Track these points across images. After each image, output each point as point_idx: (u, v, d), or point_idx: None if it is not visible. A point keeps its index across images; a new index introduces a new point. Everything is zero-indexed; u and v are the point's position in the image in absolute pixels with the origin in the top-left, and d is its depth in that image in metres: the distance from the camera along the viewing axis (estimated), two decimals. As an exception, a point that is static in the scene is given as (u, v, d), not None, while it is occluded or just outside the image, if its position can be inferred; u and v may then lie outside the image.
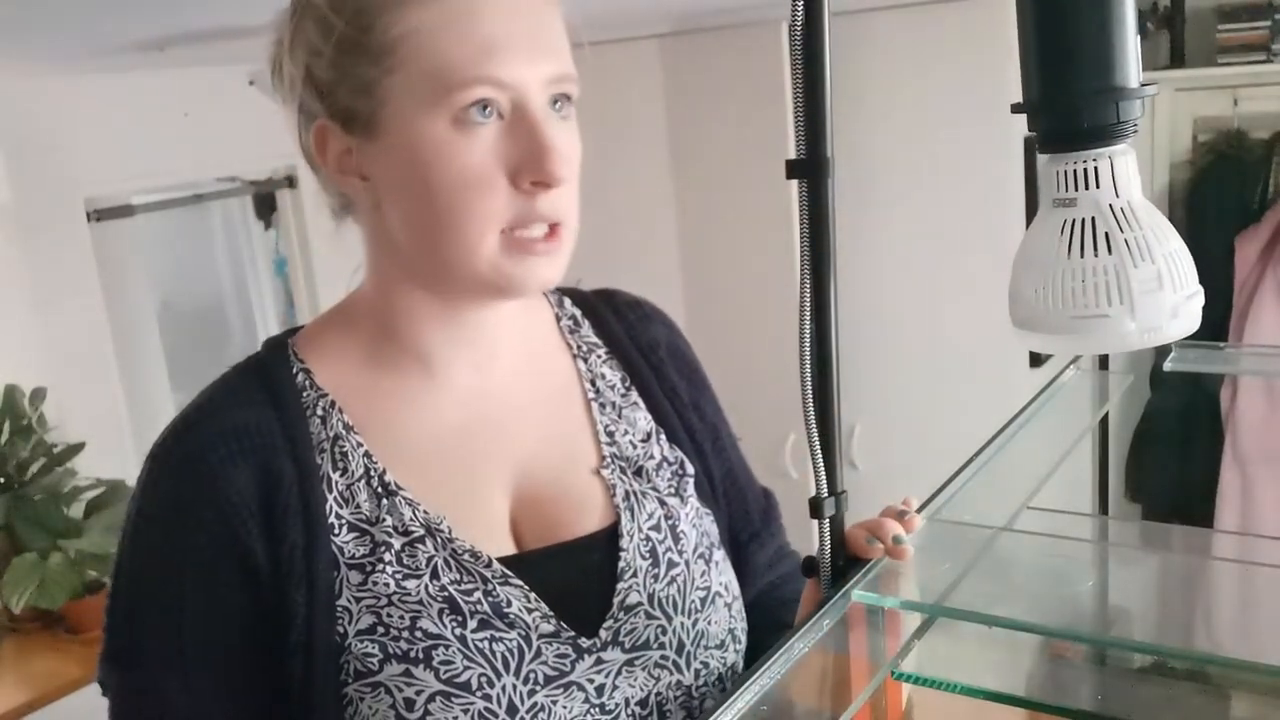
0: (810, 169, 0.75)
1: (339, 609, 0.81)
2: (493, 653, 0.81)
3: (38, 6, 1.52)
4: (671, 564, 0.90)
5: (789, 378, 0.81)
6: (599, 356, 0.97)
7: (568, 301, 1.00)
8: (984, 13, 2.66)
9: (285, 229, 3.53)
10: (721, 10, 2.74)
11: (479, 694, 0.79)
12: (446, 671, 0.79)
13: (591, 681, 0.84)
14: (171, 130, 3.01)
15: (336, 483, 0.84)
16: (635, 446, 0.94)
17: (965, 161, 2.79)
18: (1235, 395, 2.93)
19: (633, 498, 0.91)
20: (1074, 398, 1.15)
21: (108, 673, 0.84)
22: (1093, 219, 0.67)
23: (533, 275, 0.81)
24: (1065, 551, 0.92)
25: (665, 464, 0.94)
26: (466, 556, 0.83)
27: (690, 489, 0.95)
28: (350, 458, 0.84)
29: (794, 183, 0.76)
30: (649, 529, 0.90)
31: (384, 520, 0.83)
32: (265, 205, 3.79)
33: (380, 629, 0.80)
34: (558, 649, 0.83)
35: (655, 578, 0.88)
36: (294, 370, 0.87)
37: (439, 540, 0.83)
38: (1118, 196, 0.67)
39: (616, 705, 0.84)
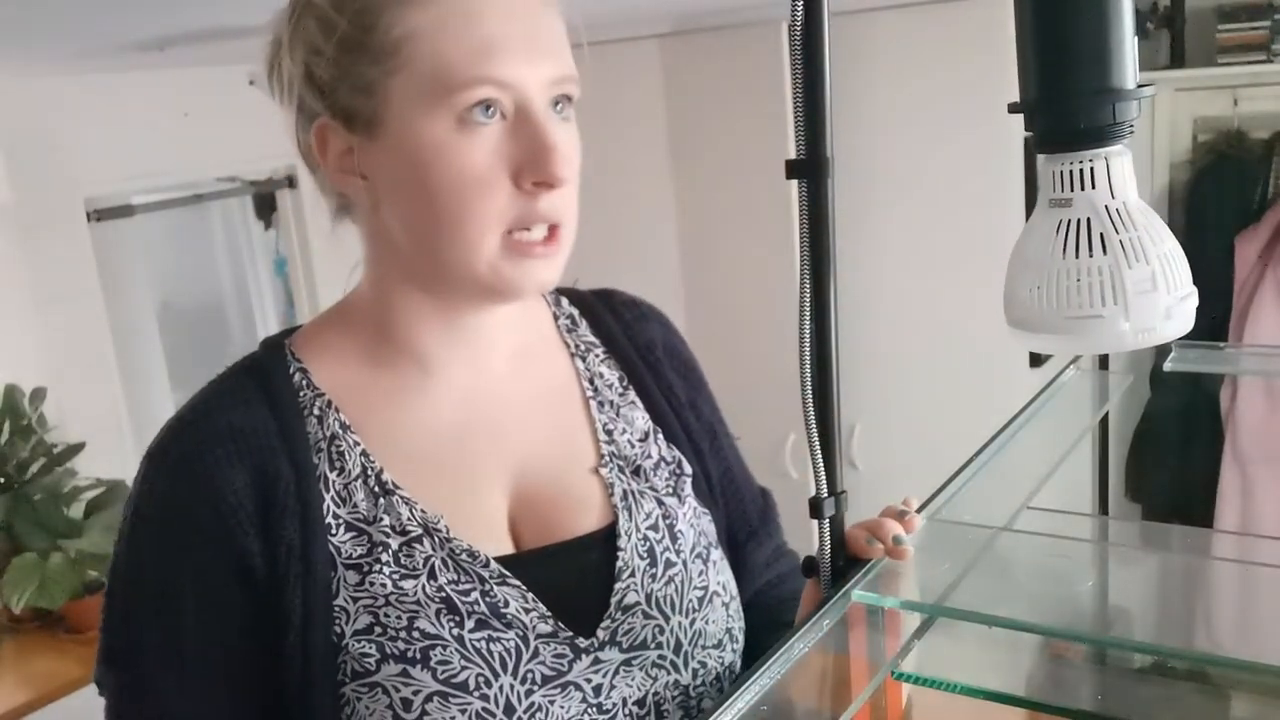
0: (810, 169, 0.75)
1: (336, 609, 0.81)
2: (490, 653, 0.81)
3: (37, 6, 1.52)
4: (669, 564, 0.90)
5: (789, 378, 0.81)
6: (597, 355, 0.98)
7: (565, 301, 1.00)
8: (984, 13, 2.66)
9: (285, 229, 3.53)
10: (721, 10, 2.74)
11: (476, 694, 0.80)
12: (444, 671, 0.79)
13: (589, 681, 0.84)
14: (171, 130, 3.01)
15: (333, 482, 0.84)
16: (633, 445, 0.94)
17: (965, 161, 2.79)
18: (1235, 395, 2.93)
19: (631, 497, 0.91)
20: (1074, 398, 1.15)
21: (104, 673, 0.84)
22: (1088, 219, 0.67)
23: (530, 278, 0.82)
24: (1065, 551, 0.92)
25: (663, 463, 0.94)
26: (464, 556, 0.83)
27: (688, 489, 0.95)
28: (347, 457, 0.84)
29: (794, 183, 0.76)
30: (647, 528, 0.90)
31: (381, 520, 0.83)
32: (265, 205, 3.79)
33: (378, 629, 0.80)
34: (555, 649, 0.83)
35: (653, 577, 0.88)
36: (291, 370, 0.87)
37: (437, 540, 0.83)
38: (1113, 197, 0.67)
39: (614, 705, 0.84)
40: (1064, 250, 0.67)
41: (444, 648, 0.80)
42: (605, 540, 0.89)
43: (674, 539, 0.91)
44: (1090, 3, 0.65)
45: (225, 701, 0.82)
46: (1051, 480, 0.96)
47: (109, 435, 2.87)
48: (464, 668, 0.80)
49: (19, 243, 2.74)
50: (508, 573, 0.84)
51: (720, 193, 3.02)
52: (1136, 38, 0.67)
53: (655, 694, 0.86)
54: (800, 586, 0.91)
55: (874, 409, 2.90)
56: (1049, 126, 0.69)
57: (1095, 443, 1.71)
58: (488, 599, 0.83)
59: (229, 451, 0.82)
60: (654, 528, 0.90)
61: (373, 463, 0.85)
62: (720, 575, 0.93)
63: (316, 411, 0.85)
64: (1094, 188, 0.67)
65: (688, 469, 0.96)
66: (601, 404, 0.95)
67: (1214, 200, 2.98)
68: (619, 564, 0.88)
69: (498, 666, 0.81)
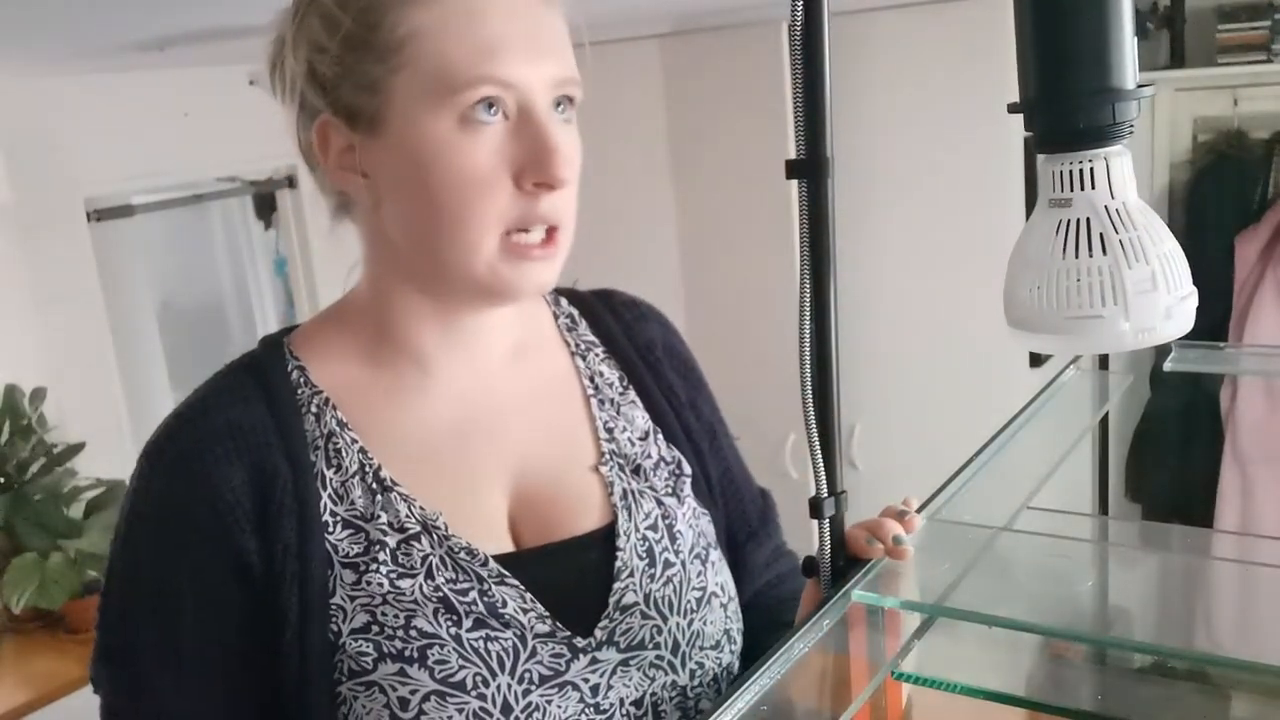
0: (810, 169, 0.75)
1: (333, 608, 0.81)
2: (488, 652, 0.81)
3: (38, 6, 1.52)
4: (668, 564, 0.90)
5: (789, 378, 0.81)
6: (597, 355, 0.98)
7: (564, 301, 1.00)
8: (984, 13, 2.66)
9: (285, 229, 3.53)
10: (721, 10, 2.74)
11: (474, 693, 0.79)
12: (441, 671, 0.79)
13: (586, 681, 0.84)
14: (171, 130, 3.01)
15: (330, 480, 0.84)
16: (634, 444, 0.94)
17: (965, 161, 2.79)
18: (1235, 395, 2.93)
19: (630, 496, 0.91)
20: (1074, 398, 1.15)
21: (100, 671, 0.84)
22: (1088, 220, 0.67)
23: (528, 280, 0.82)
24: (1065, 551, 0.92)
25: (663, 463, 0.94)
26: (462, 555, 0.83)
27: (687, 489, 0.95)
28: (344, 454, 0.84)
29: (794, 183, 0.76)
30: (646, 528, 0.90)
31: (379, 516, 0.83)
32: (265, 205, 3.79)
33: (375, 628, 0.80)
34: (553, 648, 0.83)
35: (651, 578, 0.88)
36: (289, 368, 0.87)
37: (435, 537, 0.83)
38: (1113, 197, 0.67)
39: (611, 705, 0.84)
40: (1064, 250, 0.67)
41: (441, 647, 0.80)
42: (604, 540, 0.89)
43: (673, 539, 0.91)
44: (1090, 3, 0.65)
45: (223, 700, 0.82)
46: (1051, 480, 0.96)
47: (109, 435, 2.87)
48: (461, 667, 0.80)
49: (19, 243, 2.74)
50: (506, 572, 0.84)
51: (720, 193, 3.02)
52: (1136, 38, 0.67)
53: (653, 694, 0.86)
54: (800, 586, 0.91)
55: (874, 409, 2.90)
56: (1049, 126, 0.69)
57: (1095, 443, 1.71)
58: (485, 598, 0.83)
59: (227, 449, 0.82)
60: (653, 528, 0.90)
61: (370, 460, 0.85)
62: (719, 576, 0.93)
63: (314, 409, 0.85)
64: (1094, 188, 0.67)
65: (687, 469, 0.96)
66: (602, 402, 0.95)
67: (1214, 200, 2.98)
68: (618, 564, 0.88)
69: (495, 666, 0.81)
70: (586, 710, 0.83)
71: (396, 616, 0.80)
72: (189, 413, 0.85)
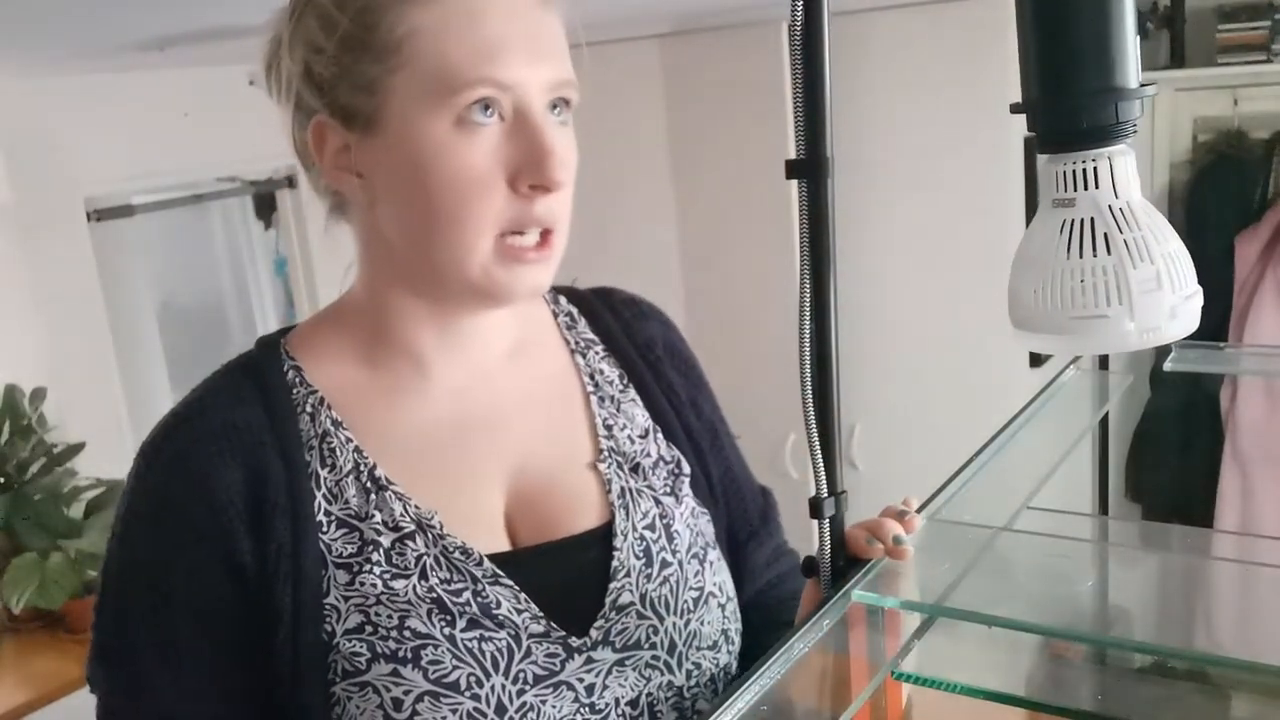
0: (810, 169, 0.75)
1: (326, 607, 0.81)
2: (482, 652, 0.81)
3: (37, 6, 1.52)
4: (665, 564, 0.89)
5: (789, 378, 0.81)
6: (596, 353, 0.97)
7: (563, 299, 1.00)
8: (984, 13, 2.66)
9: (285, 229, 3.53)
10: (721, 10, 2.74)
11: (467, 694, 0.79)
12: (435, 671, 0.79)
13: (581, 681, 0.84)
14: (171, 130, 3.01)
15: (324, 479, 0.83)
16: (633, 442, 0.94)
17: (965, 161, 2.79)
18: (1235, 395, 2.93)
19: (628, 495, 0.91)
20: (1074, 398, 1.15)
21: (97, 670, 0.84)
22: (1092, 219, 0.67)
23: (522, 282, 0.82)
24: (1065, 551, 0.92)
25: (662, 462, 0.94)
26: (457, 554, 0.83)
27: (686, 488, 0.95)
28: (339, 453, 0.84)
29: (794, 183, 0.76)
30: (643, 528, 0.90)
31: (373, 516, 0.83)
32: (265, 205, 3.80)
33: (368, 628, 0.80)
34: (547, 649, 0.83)
35: (648, 577, 0.88)
36: (285, 368, 0.87)
37: (430, 536, 0.83)
38: (1117, 197, 0.67)
39: (606, 705, 0.84)
40: (1068, 250, 0.67)
41: (435, 647, 0.80)
42: (602, 539, 0.89)
43: (670, 539, 0.91)
44: (1092, 2, 0.65)
45: (216, 699, 0.82)
46: (1051, 480, 0.96)
47: (109, 435, 2.87)
48: (455, 667, 0.80)
49: (19, 243, 2.74)
50: (500, 572, 0.84)
51: (720, 193, 3.02)
52: (1138, 37, 0.66)
53: (649, 694, 0.86)
54: (800, 586, 0.91)
55: (874, 409, 2.90)
56: (1051, 126, 0.68)
57: (1095, 443, 1.71)
58: (479, 599, 0.82)
59: (223, 449, 0.82)
60: (650, 527, 0.90)
61: (365, 459, 0.85)
62: (717, 576, 0.93)
63: (309, 409, 0.85)
64: (1097, 187, 0.67)
65: (686, 468, 0.95)
66: (602, 399, 0.95)
67: (1214, 200, 2.98)
68: (614, 563, 0.88)
69: (489, 666, 0.81)
70: (581, 710, 0.83)
71: (390, 617, 0.80)
72: (186, 412, 0.84)
